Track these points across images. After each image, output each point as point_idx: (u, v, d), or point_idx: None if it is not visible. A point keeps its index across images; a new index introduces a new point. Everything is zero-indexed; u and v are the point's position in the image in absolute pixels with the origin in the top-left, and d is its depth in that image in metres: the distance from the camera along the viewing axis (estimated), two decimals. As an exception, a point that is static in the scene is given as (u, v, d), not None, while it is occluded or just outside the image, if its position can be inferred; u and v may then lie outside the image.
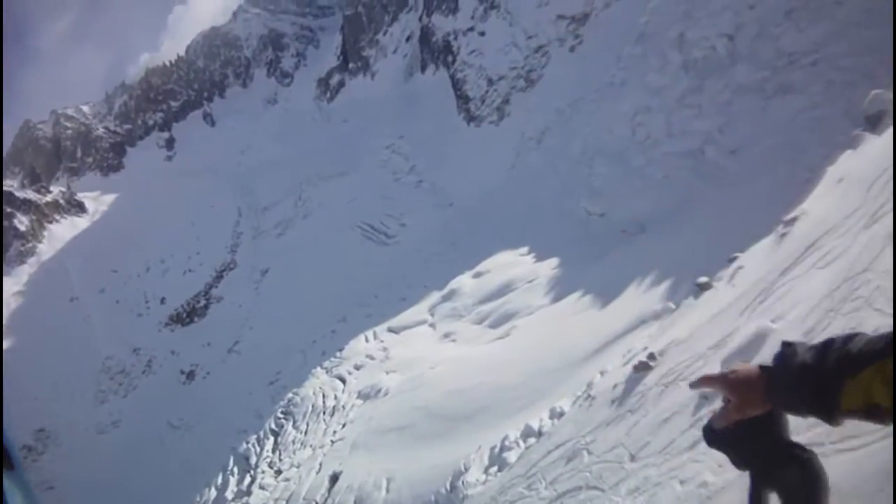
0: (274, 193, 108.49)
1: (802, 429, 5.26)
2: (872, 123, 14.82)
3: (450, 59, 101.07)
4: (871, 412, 1.63)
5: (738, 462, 2.09)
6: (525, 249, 53.18)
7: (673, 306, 21.14)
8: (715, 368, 9.20)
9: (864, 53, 36.03)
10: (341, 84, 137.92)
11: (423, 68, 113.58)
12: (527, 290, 46.31)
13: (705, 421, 2.19)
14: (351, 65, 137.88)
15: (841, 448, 4.68)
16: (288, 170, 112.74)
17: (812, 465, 1.96)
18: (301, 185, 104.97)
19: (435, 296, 55.68)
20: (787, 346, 1.90)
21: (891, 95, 14.85)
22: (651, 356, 13.13)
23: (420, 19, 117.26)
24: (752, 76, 43.13)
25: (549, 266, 47.43)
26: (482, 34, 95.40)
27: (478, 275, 53.83)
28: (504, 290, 48.38)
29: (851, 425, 5.12)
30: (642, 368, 12.90)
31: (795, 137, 36.22)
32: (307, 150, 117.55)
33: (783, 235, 13.49)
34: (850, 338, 1.72)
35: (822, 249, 9.54)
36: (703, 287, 16.73)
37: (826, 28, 39.38)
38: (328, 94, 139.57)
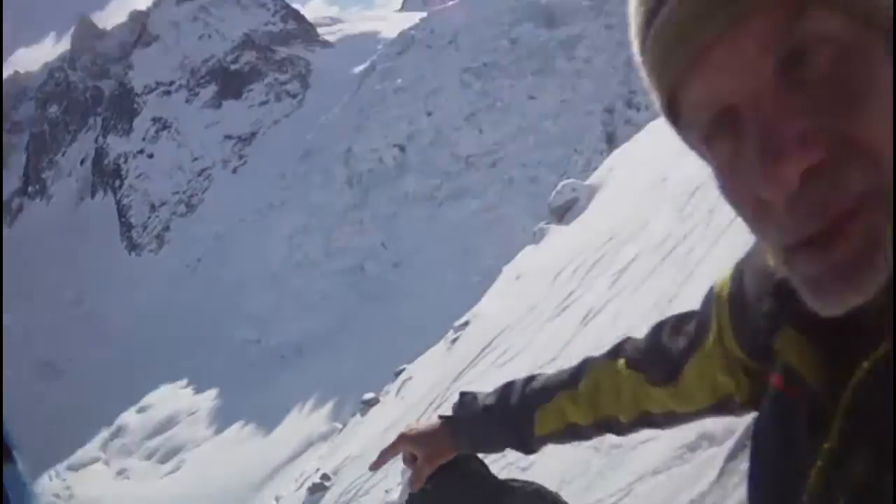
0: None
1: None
2: (559, 215, 14.90)
3: (118, 183, 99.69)
4: (570, 432, 1.57)
5: None
6: (185, 381, 53.48)
7: (339, 426, 22.09)
8: (396, 481, 8.67)
9: (551, 146, 37.34)
10: (20, 208, 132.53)
11: (94, 193, 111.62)
12: (190, 422, 46.92)
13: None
14: (30, 188, 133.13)
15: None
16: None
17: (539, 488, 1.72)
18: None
19: (105, 432, 54.93)
20: (464, 394, 1.77)
21: (581, 184, 15.17)
22: (325, 476, 13.44)
23: (96, 140, 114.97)
24: (423, 184, 44.13)
25: (210, 397, 48.15)
26: (150, 156, 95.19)
27: (142, 409, 53.75)
28: (169, 423, 48.84)
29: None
30: (318, 490, 13.16)
31: (467, 242, 37.16)
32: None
33: (454, 341, 13.63)
34: (531, 377, 1.66)
35: (500, 348, 9.67)
36: (370, 403, 17.08)
37: (512, 126, 40.47)
38: (9, 220, 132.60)
